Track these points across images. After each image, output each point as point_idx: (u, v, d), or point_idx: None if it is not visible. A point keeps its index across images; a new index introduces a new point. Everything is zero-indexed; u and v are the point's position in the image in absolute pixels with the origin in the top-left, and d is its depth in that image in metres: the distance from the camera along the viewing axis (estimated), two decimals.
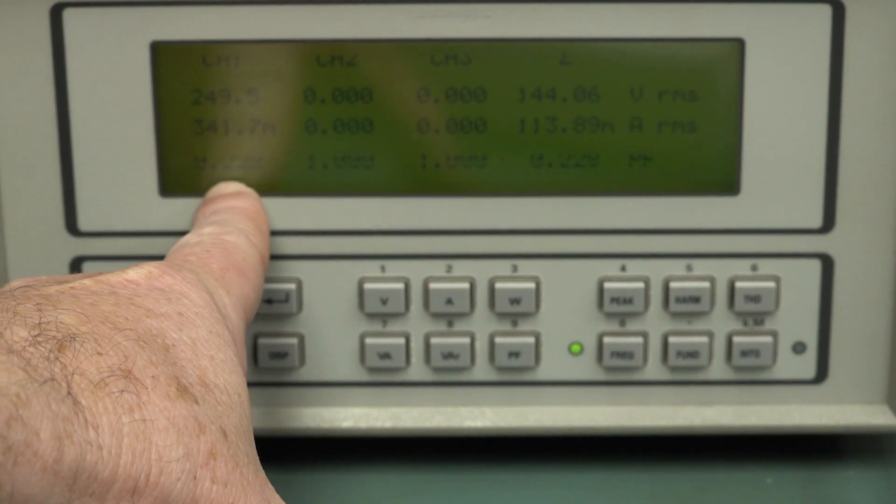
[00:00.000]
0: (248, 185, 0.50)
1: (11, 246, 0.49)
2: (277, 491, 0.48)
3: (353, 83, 0.48)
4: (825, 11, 0.46)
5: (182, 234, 0.48)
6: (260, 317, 0.50)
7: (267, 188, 0.49)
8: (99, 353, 0.32)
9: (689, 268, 0.49)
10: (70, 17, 0.47)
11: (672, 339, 0.50)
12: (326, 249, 0.50)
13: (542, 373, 0.51)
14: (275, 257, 0.50)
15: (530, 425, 0.51)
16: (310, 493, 0.51)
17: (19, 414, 0.27)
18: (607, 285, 0.49)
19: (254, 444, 0.36)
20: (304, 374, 0.51)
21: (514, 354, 0.50)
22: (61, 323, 0.32)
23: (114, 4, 0.47)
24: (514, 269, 0.49)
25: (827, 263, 0.49)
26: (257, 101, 0.48)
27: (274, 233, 0.50)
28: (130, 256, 0.50)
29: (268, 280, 0.49)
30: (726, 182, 0.48)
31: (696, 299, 0.49)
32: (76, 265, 0.50)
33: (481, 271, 0.50)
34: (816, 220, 0.49)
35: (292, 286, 0.50)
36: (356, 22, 0.47)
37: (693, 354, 0.50)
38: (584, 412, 0.51)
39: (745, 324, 0.50)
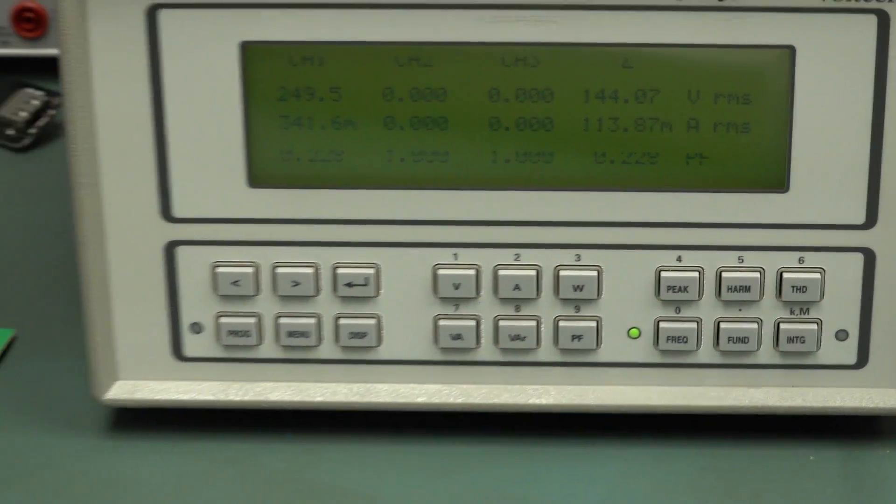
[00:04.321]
0: (330, 178, 0.50)
1: (111, 231, 0.51)
2: (358, 458, 0.51)
3: (429, 83, 0.49)
4: (871, 20, 0.48)
5: (268, 222, 0.51)
6: (341, 299, 0.52)
7: (348, 181, 0.50)
8: None
9: (740, 259, 0.51)
10: (165, 17, 0.49)
11: (724, 325, 0.51)
12: (403, 238, 0.51)
13: (603, 355, 0.52)
14: (355, 244, 0.51)
15: (590, 403, 0.52)
16: (387, 461, 0.52)
17: None
18: (664, 274, 0.51)
19: None
20: (382, 352, 0.53)
21: (577, 337, 0.52)
22: None
23: (206, 6, 0.48)
24: (578, 258, 0.51)
25: (869, 257, 0.50)
26: (339, 98, 0.49)
27: (354, 222, 0.51)
28: (220, 241, 0.51)
29: (348, 265, 0.51)
30: (776, 180, 0.50)
31: (747, 288, 0.51)
32: (170, 249, 0.51)
33: (547, 260, 0.51)
34: (860, 217, 0.50)
35: (371, 271, 0.51)
36: (432, 26, 0.48)
37: (743, 340, 0.52)
38: (641, 392, 0.53)
39: (792, 312, 0.51)
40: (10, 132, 0.73)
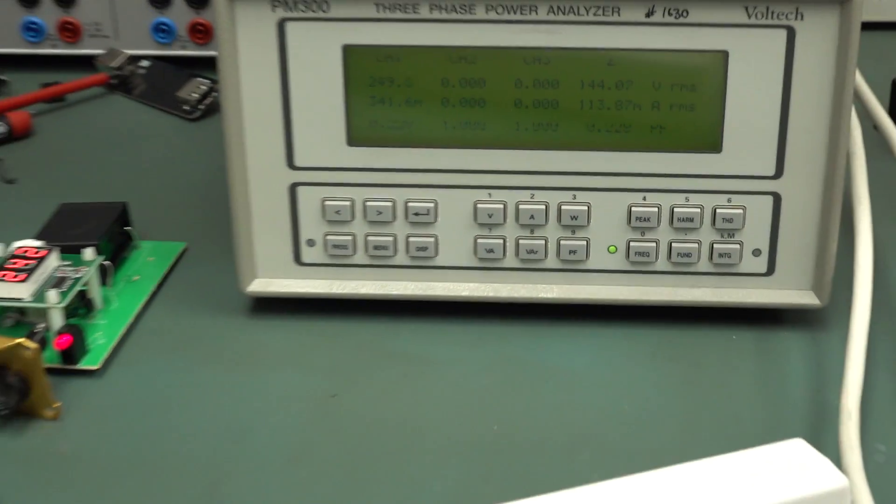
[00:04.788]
0: (403, 140, 0.51)
1: (252, 175, 0.52)
2: (420, 333, 0.52)
3: (473, 74, 0.49)
4: (782, 33, 0.48)
5: (360, 170, 0.51)
6: (410, 224, 0.52)
7: (416, 141, 0.51)
8: None
9: (686, 199, 0.51)
10: (290, 27, 0.49)
11: (674, 245, 0.52)
12: (453, 182, 0.52)
13: (590, 264, 0.53)
14: (420, 186, 0.51)
15: (581, 297, 0.53)
16: (439, 335, 0.53)
17: None
18: (634, 209, 0.51)
19: None
20: (438, 261, 0.53)
21: (573, 252, 0.52)
22: None
23: (318, 20, 0.49)
24: (574, 197, 0.51)
25: (777, 199, 0.51)
26: (410, 85, 0.50)
27: (419, 170, 0.51)
28: (327, 183, 0.52)
29: (415, 200, 0.52)
30: (713, 145, 0.50)
31: (691, 219, 0.51)
32: (293, 188, 0.52)
33: (553, 198, 0.51)
34: (771, 171, 0.50)
35: (431, 205, 0.52)
36: (475, 34, 0.49)
37: (687, 255, 0.52)
38: (616, 290, 0.53)
39: (722, 236, 0.52)
40: (186, 108, 0.74)
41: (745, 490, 0.34)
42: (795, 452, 0.35)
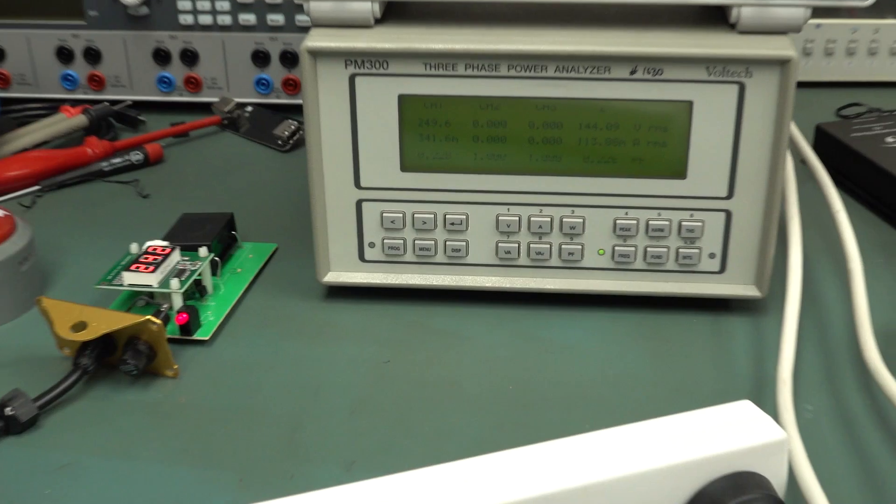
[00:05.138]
0: (443, 167, 0.49)
1: (328, 193, 0.51)
2: (455, 315, 0.51)
3: (497, 118, 0.49)
4: (734, 88, 0.47)
5: (409, 190, 0.50)
6: (447, 231, 0.51)
7: (453, 169, 0.50)
8: None
9: (659, 214, 0.50)
10: (359, 81, 0.48)
11: (649, 250, 0.51)
12: (480, 200, 0.51)
13: (584, 263, 0.52)
14: (455, 202, 0.50)
15: (578, 288, 0.52)
16: (469, 317, 0.52)
17: None
18: (618, 222, 0.50)
19: None
20: (468, 259, 0.52)
21: (571, 254, 0.51)
22: None
23: (380, 75, 0.48)
24: (573, 212, 0.50)
25: (728, 215, 0.50)
26: (449, 125, 0.49)
27: (455, 191, 0.50)
28: (385, 199, 0.51)
29: (451, 213, 0.51)
30: (680, 172, 0.49)
31: (662, 230, 0.50)
32: (359, 203, 0.51)
33: (557, 213, 0.50)
34: (724, 193, 0.49)
35: (463, 216, 0.51)
36: (499, 87, 0.48)
37: (659, 257, 0.51)
38: (604, 283, 0.52)
39: (686, 243, 0.50)
40: (280, 142, 0.73)
41: (703, 441, 0.33)
42: (743, 411, 0.34)
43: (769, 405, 0.45)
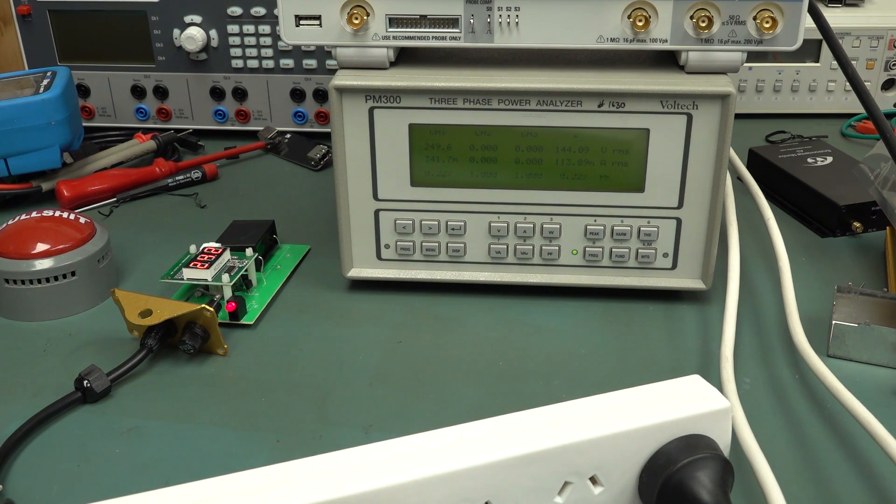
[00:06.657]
0: (445, 183, 0.48)
1: (352, 204, 0.50)
2: (455, 303, 0.50)
3: (489, 143, 0.48)
4: (683, 118, 0.46)
5: (418, 201, 0.49)
6: (449, 235, 0.50)
7: (454, 184, 0.49)
8: None
9: (622, 221, 0.49)
10: (377, 112, 0.48)
11: (614, 250, 0.50)
12: (476, 209, 0.50)
13: (561, 261, 0.51)
14: (455, 212, 0.49)
15: (555, 282, 0.51)
16: (467, 305, 0.51)
17: None
18: (588, 227, 0.49)
19: None
20: (466, 258, 0.51)
21: (550, 253, 0.50)
22: None
23: (394, 108, 0.47)
24: (551, 219, 0.49)
25: (679, 222, 0.49)
26: (450, 148, 0.48)
27: (454, 202, 0.49)
28: (397, 209, 0.50)
29: (452, 220, 0.49)
30: (638, 187, 0.48)
31: (624, 234, 0.49)
32: (376, 212, 0.50)
33: (538, 220, 0.49)
34: (675, 203, 0.48)
35: (462, 223, 0.50)
36: (492, 117, 0.47)
37: (622, 256, 0.50)
38: (577, 277, 0.51)
39: (644, 245, 0.50)
40: (313, 163, 0.72)
41: (660, 409, 0.32)
42: (693, 384, 0.33)
43: (714, 379, 0.44)
